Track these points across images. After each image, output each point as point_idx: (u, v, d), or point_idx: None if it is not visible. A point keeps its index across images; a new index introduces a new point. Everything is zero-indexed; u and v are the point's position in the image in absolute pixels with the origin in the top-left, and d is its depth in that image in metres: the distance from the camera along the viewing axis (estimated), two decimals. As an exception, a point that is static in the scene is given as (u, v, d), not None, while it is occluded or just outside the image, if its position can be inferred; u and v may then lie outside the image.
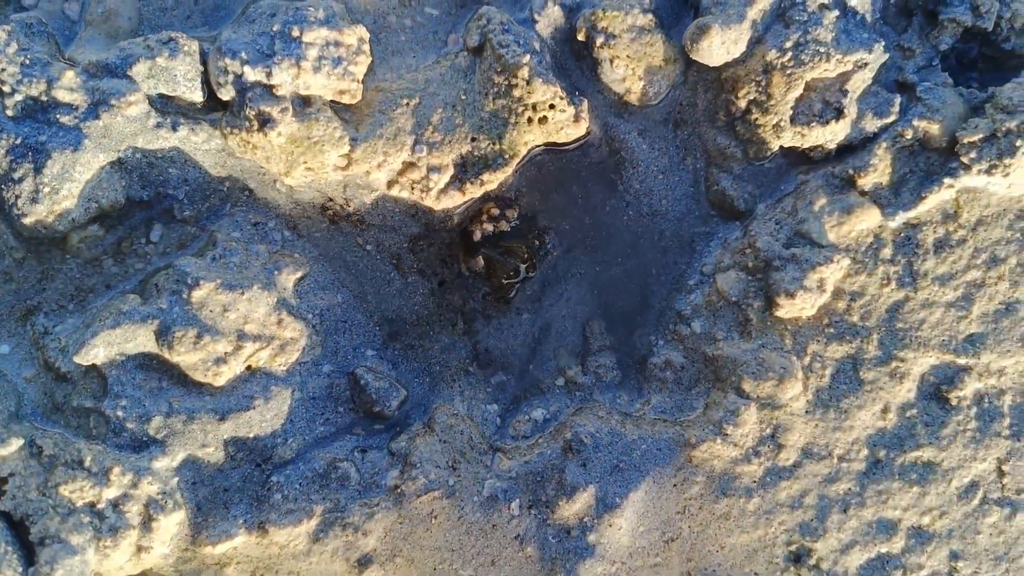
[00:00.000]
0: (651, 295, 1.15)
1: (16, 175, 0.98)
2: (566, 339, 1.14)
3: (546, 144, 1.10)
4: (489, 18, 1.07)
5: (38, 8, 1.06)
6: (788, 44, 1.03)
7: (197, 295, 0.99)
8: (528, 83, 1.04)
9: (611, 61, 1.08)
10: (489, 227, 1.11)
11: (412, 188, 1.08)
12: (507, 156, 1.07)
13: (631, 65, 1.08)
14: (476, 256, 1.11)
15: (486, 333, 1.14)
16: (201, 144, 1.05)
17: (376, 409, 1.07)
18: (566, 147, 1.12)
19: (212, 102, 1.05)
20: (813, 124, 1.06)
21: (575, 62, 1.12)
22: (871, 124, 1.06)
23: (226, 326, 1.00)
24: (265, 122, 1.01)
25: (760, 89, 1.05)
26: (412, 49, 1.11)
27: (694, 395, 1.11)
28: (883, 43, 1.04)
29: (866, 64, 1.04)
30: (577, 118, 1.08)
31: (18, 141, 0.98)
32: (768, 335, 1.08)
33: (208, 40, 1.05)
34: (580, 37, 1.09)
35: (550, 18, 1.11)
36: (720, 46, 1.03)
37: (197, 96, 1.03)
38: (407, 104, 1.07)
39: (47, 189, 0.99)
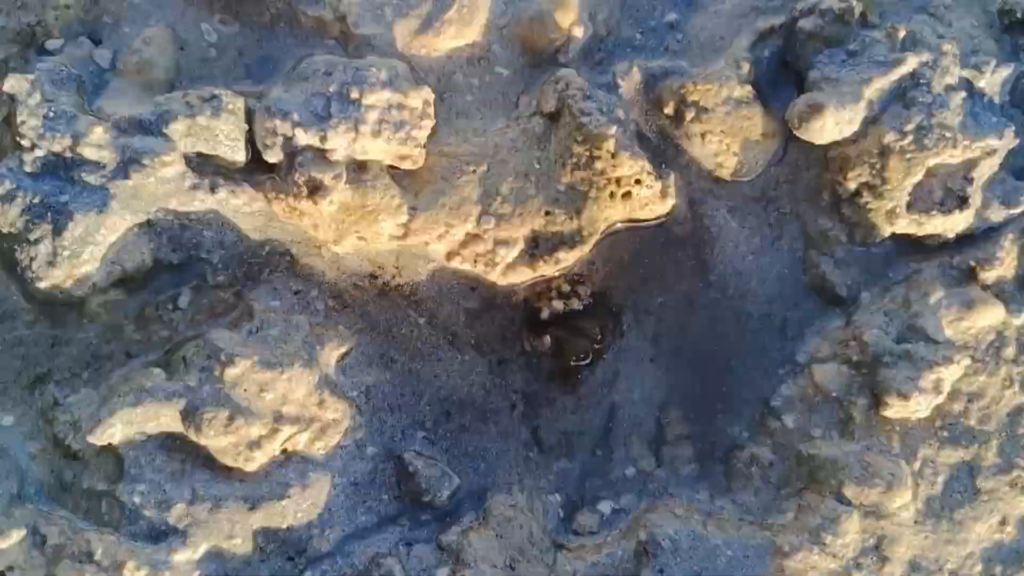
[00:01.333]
0: (736, 383, 1.04)
1: (32, 236, 0.87)
2: (639, 426, 1.03)
3: (627, 220, 0.99)
4: (568, 82, 0.96)
5: (64, 53, 0.96)
6: (909, 127, 0.92)
7: (231, 373, 0.88)
8: (613, 156, 0.93)
9: (702, 136, 0.98)
10: (559, 304, 1.00)
11: (475, 261, 0.97)
12: (585, 233, 0.96)
13: (725, 140, 0.98)
14: (543, 335, 1.00)
15: (549, 417, 1.03)
16: (241, 207, 0.94)
17: (425, 498, 0.96)
18: (647, 222, 1.00)
19: (255, 162, 0.94)
20: (933, 212, 0.94)
21: (658, 132, 1.02)
22: (996, 214, 0.95)
23: (262, 407, 0.89)
24: (316, 189, 0.90)
25: (874, 172, 0.94)
26: (480, 111, 1.01)
27: (783, 496, 0.98)
28: (1013, 128, 0.94)
29: (995, 150, 0.93)
30: (664, 194, 0.96)
31: (36, 200, 0.87)
32: (873, 435, 0.97)
33: (254, 96, 0.94)
34: (667, 111, 0.98)
35: (633, 82, 1.00)
36: (833, 126, 0.92)
37: (240, 157, 0.93)
38: (473, 171, 0.96)
39: (67, 252, 0.88)
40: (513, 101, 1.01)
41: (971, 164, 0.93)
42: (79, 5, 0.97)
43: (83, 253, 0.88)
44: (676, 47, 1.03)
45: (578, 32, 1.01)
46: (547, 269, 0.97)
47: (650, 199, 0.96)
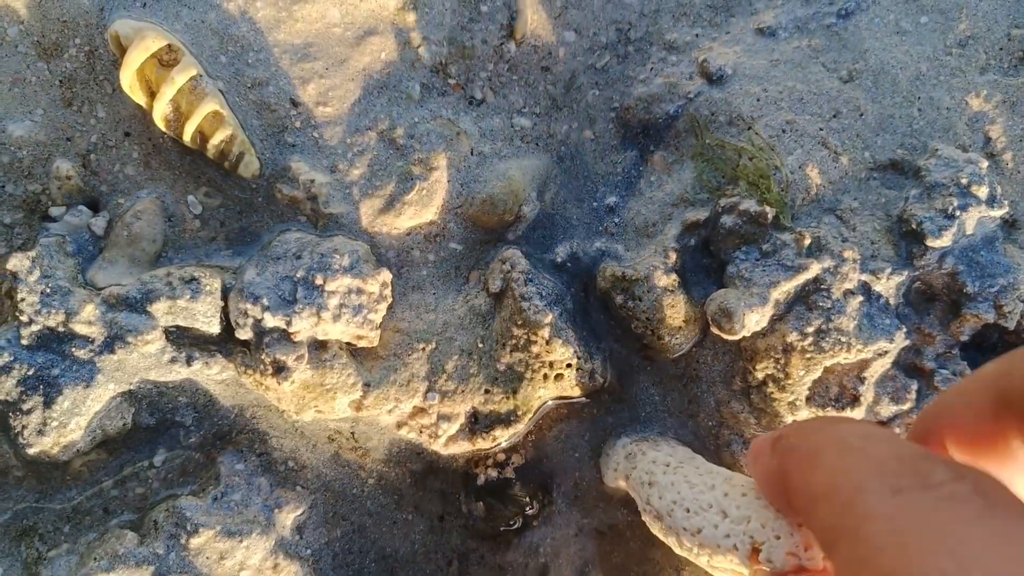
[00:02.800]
0: (652, 547, 1.13)
1: (25, 406, 0.97)
2: None
3: (559, 398, 1.09)
4: (513, 263, 1.07)
5: (63, 222, 1.06)
6: (810, 329, 1.02)
7: (195, 542, 0.98)
8: (548, 342, 1.03)
9: (630, 320, 1.08)
10: (493, 473, 1.10)
11: (420, 432, 1.07)
12: (520, 412, 1.06)
13: (650, 326, 1.08)
14: (478, 501, 1.10)
15: (482, 574, 1.12)
16: (213, 375, 1.04)
17: None
18: (578, 400, 1.11)
19: (227, 333, 1.05)
20: (828, 407, 1.05)
21: (595, 306, 1.12)
22: (886, 409, 1.06)
23: (221, 574, 0.99)
24: (280, 370, 1.01)
25: (778, 367, 1.05)
26: (433, 285, 1.11)
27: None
28: (904, 330, 1.04)
29: (886, 352, 1.04)
30: (592, 377, 1.07)
31: (30, 372, 0.97)
32: (768, 608, 1.06)
33: (230, 272, 1.05)
34: (600, 294, 1.09)
35: (579, 261, 1.11)
36: (741, 328, 1.03)
37: (214, 329, 1.03)
38: (423, 349, 1.07)
39: (55, 423, 0.98)
40: (464, 276, 1.12)
41: (864, 365, 1.04)
42: (80, 176, 1.07)
43: (70, 423, 0.98)
44: (614, 229, 1.14)
45: (527, 211, 1.11)
46: (484, 444, 1.07)
47: (579, 381, 1.07)
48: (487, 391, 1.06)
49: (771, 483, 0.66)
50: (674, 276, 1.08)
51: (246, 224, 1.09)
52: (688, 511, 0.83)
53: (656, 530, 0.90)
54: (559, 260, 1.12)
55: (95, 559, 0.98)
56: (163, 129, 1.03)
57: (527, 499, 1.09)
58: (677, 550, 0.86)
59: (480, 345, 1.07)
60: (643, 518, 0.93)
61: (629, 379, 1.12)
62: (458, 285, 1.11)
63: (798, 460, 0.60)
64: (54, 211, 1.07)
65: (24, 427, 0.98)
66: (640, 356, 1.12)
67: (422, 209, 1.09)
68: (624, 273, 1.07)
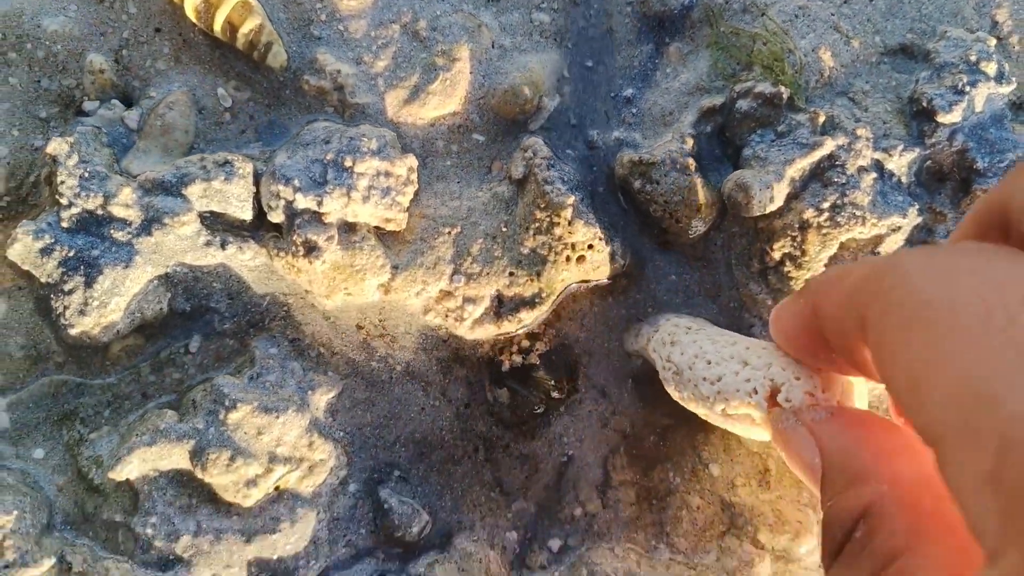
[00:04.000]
0: (674, 433, 1.16)
1: (67, 287, 1.00)
2: (588, 470, 1.15)
3: (581, 281, 1.12)
4: (535, 151, 1.09)
5: (97, 116, 1.09)
6: (825, 204, 1.05)
7: (233, 417, 1.01)
8: (570, 223, 1.06)
9: (649, 205, 1.11)
10: (518, 359, 1.13)
11: (447, 315, 1.10)
12: (544, 294, 1.09)
13: (668, 209, 1.11)
14: (502, 387, 1.13)
15: (508, 461, 1.15)
16: (246, 261, 1.07)
17: (397, 534, 1.08)
18: (600, 283, 1.14)
19: (259, 219, 1.08)
20: (844, 281, 1.08)
21: (613, 196, 1.15)
22: (901, 283, 1.09)
23: (259, 449, 1.02)
24: (311, 250, 1.04)
25: (795, 244, 1.08)
26: (457, 175, 1.14)
27: (708, 539, 1.12)
28: (917, 207, 1.07)
29: (900, 227, 1.07)
30: (613, 259, 1.10)
31: (71, 254, 1.00)
32: (785, 485, 1.09)
33: (261, 160, 1.08)
34: (618, 181, 1.12)
35: (598, 151, 1.14)
36: (758, 204, 1.06)
37: (247, 215, 1.06)
38: (449, 233, 1.10)
39: (96, 303, 1.01)
40: (487, 166, 1.15)
41: (879, 240, 1.07)
42: (113, 71, 1.09)
43: (110, 303, 1.01)
44: (631, 119, 1.17)
45: (547, 103, 1.14)
46: (510, 327, 1.10)
47: (601, 262, 1.10)
48: (511, 274, 1.09)
49: (799, 323, 0.68)
50: (691, 160, 1.11)
51: (275, 117, 1.12)
52: (709, 362, 0.85)
53: (672, 388, 0.93)
54: (578, 150, 1.15)
55: (136, 435, 1.01)
56: (194, 20, 1.06)
57: (552, 384, 1.12)
58: (692, 405, 0.88)
59: (504, 229, 1.10)
60: (661, 378, 0.96)
61: (648, 265, 1.15)
62: (481, 175, 1.14)
63: (827, 285, 0.63)
64: (88, 105, 1.10)
65: (66, 307, 1.01)
66: (658, 243, 1.15)
67: (445, 99, 1.12)
68: (642, 158, 1.10)
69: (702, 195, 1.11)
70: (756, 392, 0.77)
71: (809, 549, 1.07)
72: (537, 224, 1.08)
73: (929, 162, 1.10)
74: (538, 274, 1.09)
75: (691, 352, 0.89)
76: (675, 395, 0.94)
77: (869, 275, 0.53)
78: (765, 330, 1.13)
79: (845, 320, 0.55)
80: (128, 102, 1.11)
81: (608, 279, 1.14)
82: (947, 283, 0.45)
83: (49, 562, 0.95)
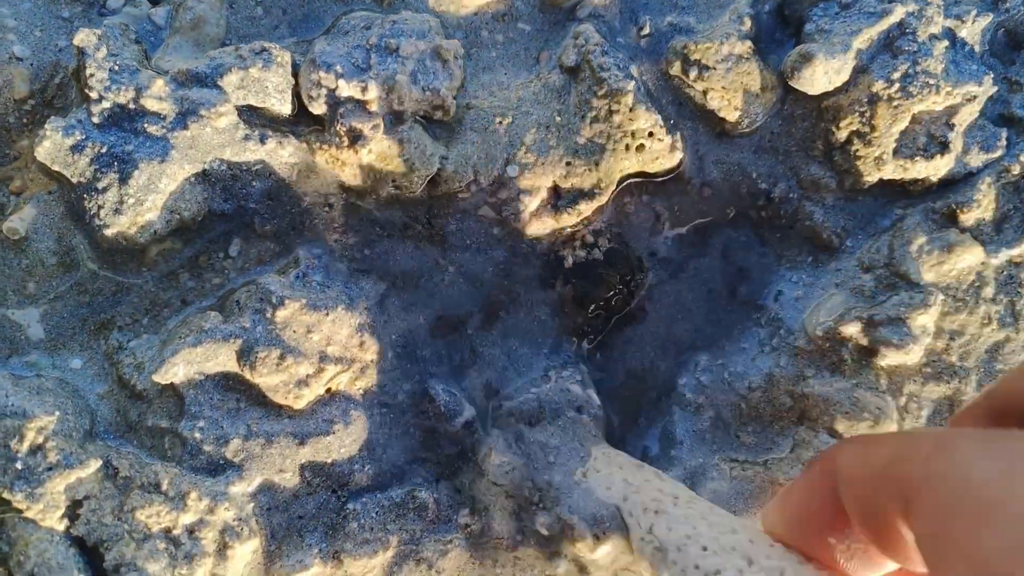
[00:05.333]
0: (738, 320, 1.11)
1: (100, 185, 0.95)
2: (659, 373, 1.10)
3: (639, 173, 1.07)
4: (587, 37, 1.04)
5: (123, 13, 1.03)
6: (896, 75, 1.00)
7: (281, 315, 0.96)
8: (631, 110, 1.01)
9: (705, 92, 1.05)
10: (582, 254, 1.08)
11: (501, 210, 1.05)
12: (603, 184, 1.04)
13: (726, 96, 1.05)
14: (566, 284, 1.08)
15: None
16: (287, 157, 1.02)
17: (443, 427, 1.03)
18: (657, 177, 1.08)
19: (299, 115, 1.02)
20: (917, 158, 1.02)
21: (665, 89, 1.09)
22: (976, 159, 1.03)
23: (309, 348, 0.96)
24: (356, 139, 0.98)
25: (864, 120, 1.02)
26: (503, 66, 1.08)
27: (777, 432, 1.06)
28: (992, 75, 1.01)
29: (975, 97, 1.01)
30: (672, 148, 1.05)
31: (103, 150, 0.95)
32: (862, 374, 1.04)
33: (299, 52, 1.02)
34: (672, 71, 1.06)
35: (650, 38, 1.08)
36: (823, 75, 1.00)
37: (286, 109, 1.00)
38: (499, 122, 1.04)
39: (131, 200, 0.95)
40: (534, 56, 1.09)
41: (953, 111, 1.01)
42: (138, -34, 1.04)
43: (146, 201, 0.95)
44: (684, 3, 1.11)
45: (596, -15, 1.09)
46: (570, 220, 1.05)
47: (660, 152, 1.04)
48: (568, 163, 1.04)
49: (815, 498, 0.59)
50: (748, 43, 1.05)
51: (308, 10, 1.06)
52: (705, 549, 0.71)
53: (649, 559, 0.77)
54: (628, 38, 1.09)
55: (180, 336, 0.95)
56: (223, -97, 1.00)
57: (618, 279, 1.07)
58: None
59: (558, 119, 1.04)
60: (633, 546, 0.81)
61: (705, 157, 1.10)
62: (529, 65, 1.09)
63: (853, 456, 0.55)
64: (112, 3, 1.04)
65: (100, 207, 0.95)
66: (715, 134, 1.10)
67: (489, -15, 1.06)
68: (697, 43, 1.05)
69: (760, 79, 1.06)
70: None
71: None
72: (594, 112, 1.02)
73: (1002, 30, 1.04)
74: (596, 164, 1.03)
75: (682, 531, 0.75)
76: (651, 571, 0.78)
77: (910, 452, 0.48)
78: (827, 220, 1.08)
79: (879, 496, 0.50)
80: (155, 0, 1.05)
81: (668, 174, 1.08)
82: (1013, 479, 0.41)
83: (95, 464, 0.89)
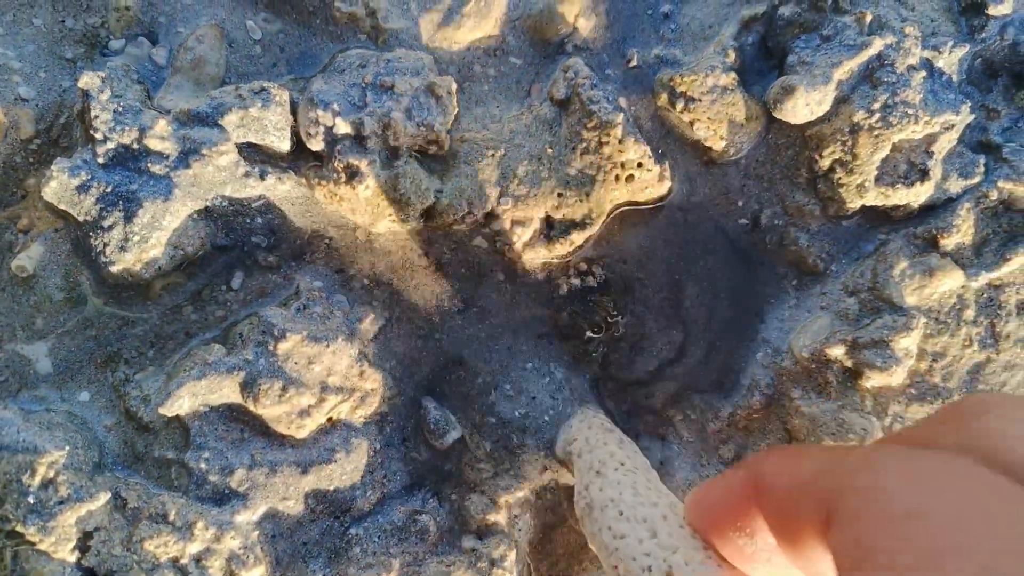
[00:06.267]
0: (726, 346, 1.14)
1: (106, 223, 0.98)
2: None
3: (629, 203, 1.10)
4: (577, 71, 1.07)
5: (125, 53, 1.06)
6: (876, 105, 1.03)
7: (283, 347, 0.98)
8: (620, 141, 1.04)
9: (691, 123, 1.08)
10: (576, 281, 1.11)
11: (495, 240, 1.08)
12: (594, 214, 1.07)
13: (712, 126, 1.08)
14: (561, 312, 1.10)
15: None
16: (286, 192, 1.05)
17: (433, 442, 1.06)
18: (647, 205, 1.11)
19: (297, 151, 1.05)
20: (898, 185, 1.06)
21: (653, 119, 1.12)
22: (955, 185, 1.07)
23: (310, 379, 0.99)
24: (353, 175, 1.01)
25: (846, 149, 1.05)
26: (495, 99, 1.11)
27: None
28: (969, 104, 1.05)
29: (953, 125, 1.04)
30: (661, 177, 1.08)
31: (108, 189, 0.98)
32: (847, 395, 1.07)
33: (296, 89, 1.05)
34: (659, 102, 1.09)
35: (637, 70, 1.11)
36: (804, 106, 1.04)
37: (285, 146, 1.03)
38: (492, 155, 1.07)
39: (136, 238, 0.98)
40: (525, 89, 1.12)
41: (932, 139, 1.05)
42: (138, 7, 1.07)
43: (151, 238, 0.98)
44: (670, 36, 1.14)
45: (583, 23, 1.12)
46: (562, 249, 1.08)
47: (650, 182, 1.07)
48: (560, 195, 1.07)
49: (733, 497, 0.60)
50: (733, 75, 1.08)
51: (305, 48, 1.09)
52: (621, 514, 0.76)
53: (580, 512, 0.84)
54: (616, 71, 1.13)
55: (185, 370, 0.98)
56: (221, -53, 1.03)
57: (612, 305, 1.10)
58: (590, 541, 0.81)
59: (549, 151, 1.07)
60: (575, 499, 0.87)
61: (692, 185, 1.13)
62: (520, 98, 1.12)
63: (779, 464, 0.56)
64: (114, 44, 1.07)
65: (106, 244, 0.98)
66: (702, 163, 1.13)
67: (481, 21, 1.09)
68: (683, 76, 1.08)
69: (745, 110, 1.09)
70: (650, 570, 0.69)
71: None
72: (584, 144, 1.05)
73: (979, 60, 1.08)
74: (587, 194, 1.06)
75: (609, 494, 0.80)
76: (579, 519, 0.84)
77: (836, 466, 0.50)
78: (812, 244, 1.11)
79: (801, 506, 0.51)
80: (154, 39, 1.08)
81: (657, 203, 1.11)
82: (930, 494, 0.43)
83: (104, 496, 0.92)
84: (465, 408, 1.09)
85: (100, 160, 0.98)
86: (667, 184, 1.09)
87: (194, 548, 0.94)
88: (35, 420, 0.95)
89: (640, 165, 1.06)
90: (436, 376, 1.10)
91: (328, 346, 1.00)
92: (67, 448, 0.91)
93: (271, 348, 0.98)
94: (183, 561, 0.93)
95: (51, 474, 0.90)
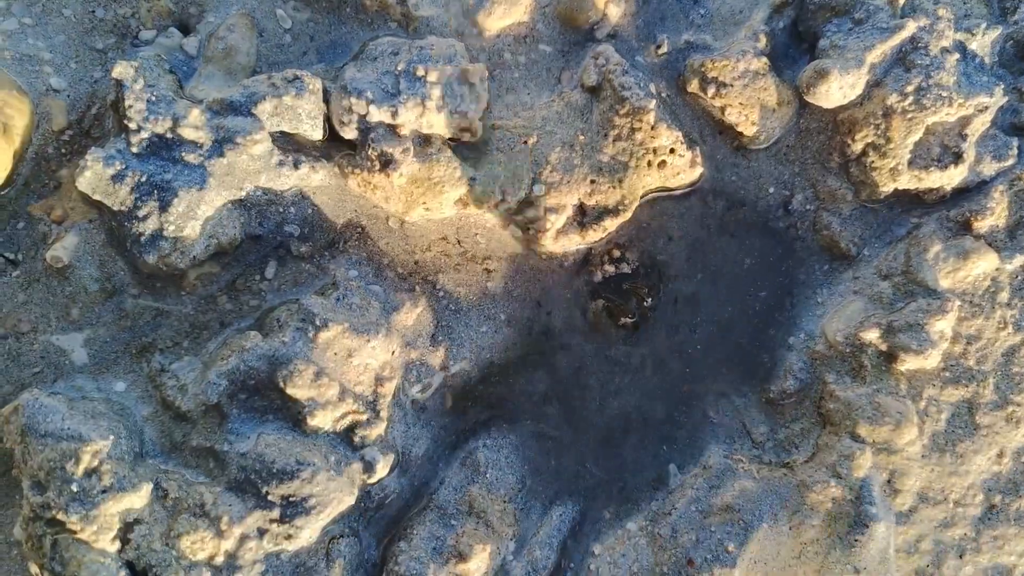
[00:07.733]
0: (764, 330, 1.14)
1: (140, 213, 0.98)
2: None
3: (660, 188, 1.10)
4: (608, 58, 1.07)
5: (156, 44, 1.06)
6: (909, 88, 1.03)
7: (324, 336, 0.98)
8: (653, 127, 1.04)
9: (723, 108, 1.08)
10: (610, 269, 1.11)
11: (528, 228, 1.08)
12: (627, 200, 1.07)
13: (744, 111, 1.08)
14: (596, 299, 1.11)
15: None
16: (320, 182, 1.05)
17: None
18: (677, 191, 1.11)
19: (330, 140, 1.05)
20: (931, 168, 1.05)
21: (684, 106, 1.12)
22: (988, 168, 1.06)
23: (347, 372, 0.99)
24: (388, 163, 1.01)
25: (879, 132, 1.05)
26: (526, 86, 1.11)
27: (797, 433, 1.10)
28: (1002, 86, 1.04)
29: (986, 108, 1.04)
30: (693, 163, 1.08)
31: (143, 179, 0.97)
32: (883, 379, 1.07)
33: (329, 78, 1.05)
34: (690, 88, 1.09)
35: (663, 58, 1.11)
36: (838, 90, 1.03)
37: (318, 134, 1.03)
38: (525, 142, 1.07)
39: (171, 228, 0.98)
40: (556, 77, 1.12)
41: (965, 121, 1.04)
42: (169, -3, 1.07)
43: (186, 227, 0.98)
44: (700, 21, 1.14)
45: (613, 10, 1.11)
46: (595, 236, 1.08)
47: (682, 168, 1.07)
48: (593, 181, 1.07)
49: None
50: (764, 60, 1.08)
51: (335, 37, 1.09)
52: None
53: None
54: (647, 57, 1.12)
55: (222, 358, 0.98)
56: (252, -65, 1.03)
57: (646, 291, 1.10)
58: None
59: (581, 138, 1.07)
60: None
61: (723, 171, 1.13)
62: (551, 85, 1.12)
63: None
64: (145, 34, 1.07)
65: (141, 234, 0.98)
66: (733, 149, 1.13)
67: (511, 8, 1.09)
68: (714, 61, 1.07)
69: (776, 94, 1.09)
70: None
71: (911, 439, 1.05)
72: (616, 131, 1.05)
73: (1011, 42, 1.07)
74: (620, 181, 1.06)
75: None
76: None
77: None
78: (844, 226, 1.11)
79: None
80: (185, 30, 1.08)
81: (689, 188, 1.11)
82: None
83: (147, 487, 0.92)
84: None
85: (134, 149, 0.98)
86: (699, 170, 1.09)
87: (228, 546, 0.93)
88: (79, 408, 0.94)
89: (672, 151, 1.06)
90: (475, 357, 1.10)
91: (368, 340, 1.00)
92: (111, 437, 0.91)
93: (311, 335, 0.98)
94: (218, 560, 0.93)
95: (95, 463, 0.90)
